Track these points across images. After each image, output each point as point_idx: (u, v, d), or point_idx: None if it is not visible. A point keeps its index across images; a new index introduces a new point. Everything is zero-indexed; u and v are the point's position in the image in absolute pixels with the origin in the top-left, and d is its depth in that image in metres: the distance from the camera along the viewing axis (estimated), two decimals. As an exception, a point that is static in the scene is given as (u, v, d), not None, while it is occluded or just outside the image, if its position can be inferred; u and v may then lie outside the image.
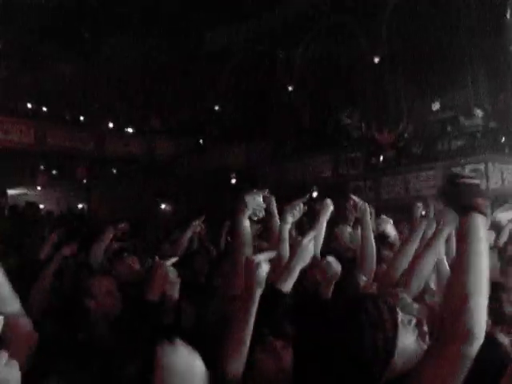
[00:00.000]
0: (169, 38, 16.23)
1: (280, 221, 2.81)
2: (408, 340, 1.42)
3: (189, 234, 4.70)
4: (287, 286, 1.94)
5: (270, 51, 16.38)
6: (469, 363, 1.26)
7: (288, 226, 2.74)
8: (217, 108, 17.95)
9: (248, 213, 2.31)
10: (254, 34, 16.28)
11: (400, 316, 1.44)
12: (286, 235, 2.70)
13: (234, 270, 2.24)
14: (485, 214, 1.40)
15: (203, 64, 16.81)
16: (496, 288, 2.31)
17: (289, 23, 15.53)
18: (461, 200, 1.43)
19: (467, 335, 1.26)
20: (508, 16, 12.30)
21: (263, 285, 1.69)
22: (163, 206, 16.71)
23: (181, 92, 17.14)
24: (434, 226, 2.68)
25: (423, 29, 13.26)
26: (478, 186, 1.47)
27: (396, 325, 1.42)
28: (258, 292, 1.68)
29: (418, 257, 2.51)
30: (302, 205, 2.81)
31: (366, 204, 3.48)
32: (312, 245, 2.05)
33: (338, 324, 1.39)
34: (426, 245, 2.49)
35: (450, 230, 2.39)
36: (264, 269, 1.67)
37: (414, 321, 1.48)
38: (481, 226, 1.37)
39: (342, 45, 14.92)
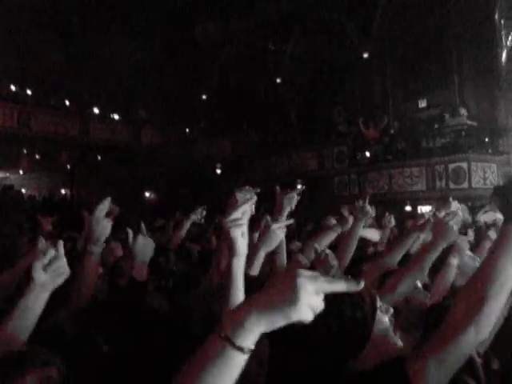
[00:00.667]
0: (159, 29, 16.10)
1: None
2: (384, 325, 1.47)
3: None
4: (254, 270, 1.95)
5: (260, 45, 16.33)
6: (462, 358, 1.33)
7: (280, 215, 2.70)
8: (204, 97, 17.85)
9: (231, 208, 2.27)
10: (246, 27, 16.20)
11: (378, 302, 1.50)
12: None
13: (216, 263, 2.24)
14: None
15: (193, 55, 16.71)
16: None
17: (280, 18, 15.47)
18: None
19: (471, 330, 1.34)
20: (496, 17, 12.40)
21: (241, 256, 1.67)
22: (147, 194, 16.65)
23: (169, 82, 17.03)
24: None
25: (412, 28, 13.33)
26: None
27: (374, 308, 1.47)
28: (235, 261, 1.64)
29: (409, 267, 2.49)
30: (295, 196, 2.79)
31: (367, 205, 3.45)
32: (281, 231, 2.05)
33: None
34: (419, 257, 2.48)
35: (443, 245, 2.41)
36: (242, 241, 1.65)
37: (391, 310, 1.54)
38: None
39: (331, 41, 14.94)
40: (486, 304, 1.34)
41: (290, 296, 0.92)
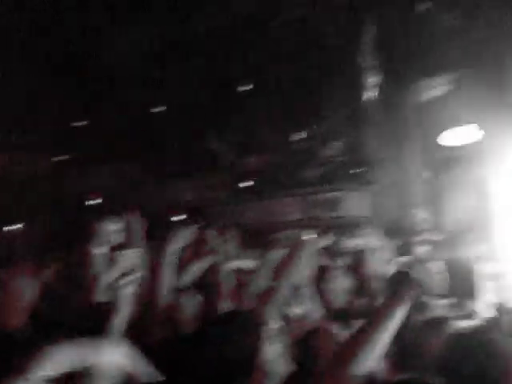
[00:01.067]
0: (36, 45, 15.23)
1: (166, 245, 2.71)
2: (274, 351, 1.58)
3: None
4: None
5: (138, 71, 16.02)
6: None
7: (172, 251, 2.65)
8: (80, 124, 17.09)
9: (96, 241, 2.21)
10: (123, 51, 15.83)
11: (266, 329, 1.59)
12: (171, 260, 2.60)
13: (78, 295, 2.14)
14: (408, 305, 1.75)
15: (68, 74, 15.97)
16: None
17: (162, 43, 15.33)
18: (402, 287, 1.79)
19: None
20: (361, 56, 13.28)
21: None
22: (15, 227, 15.55)
23: (43, 105, 16.14)
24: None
25: (291, 61, 13.84)
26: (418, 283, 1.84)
27: (261, 335, 1.59)
28: (117, 319, 1.77)
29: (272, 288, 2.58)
30: (189, 232, 2.78)
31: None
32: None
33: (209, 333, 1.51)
34: (282, 273, 2.57)
35: (299, 258, 2.55)
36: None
37: (283, 338, 1.66)
38: (402, 312, 1.74)
39: (213, 71, 15.05)
40: (364, 349, 1.63)
41: None
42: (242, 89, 14.93)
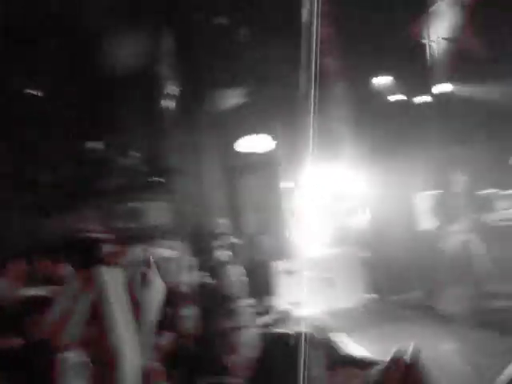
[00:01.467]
0: None
1: None
2: (74, 378, 1.53)
3: None
4: None
5: None
6: None
7: None
8: None
9: None
10: None
11: (65, 360, 1.53)
12: None
13: None
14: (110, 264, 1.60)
15: None
16: None
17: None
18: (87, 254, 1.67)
19: None
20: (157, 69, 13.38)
21: None
22: None
23: None
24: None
25: (81, 70, 13.34)
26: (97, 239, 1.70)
27: (59, 363, 1.50)
28: None
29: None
30: None
31: None
32: None
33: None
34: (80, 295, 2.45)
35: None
36: None
37: (83, 364, 1.60)
38: (107, 274, 1.56)
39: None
40: None
41: None
42: (34, 98, 14.01)
